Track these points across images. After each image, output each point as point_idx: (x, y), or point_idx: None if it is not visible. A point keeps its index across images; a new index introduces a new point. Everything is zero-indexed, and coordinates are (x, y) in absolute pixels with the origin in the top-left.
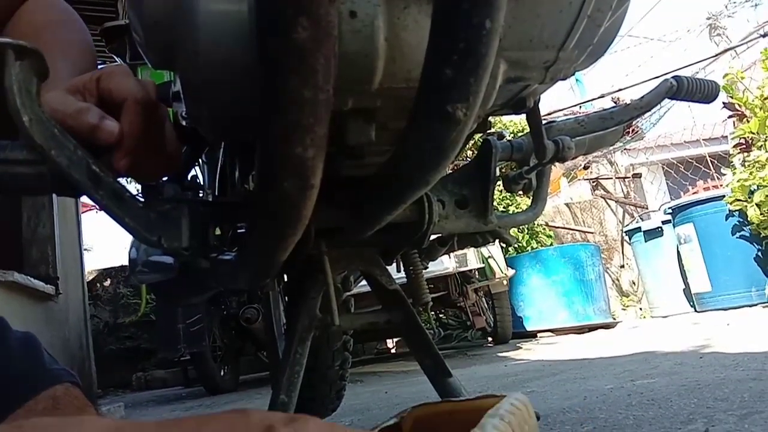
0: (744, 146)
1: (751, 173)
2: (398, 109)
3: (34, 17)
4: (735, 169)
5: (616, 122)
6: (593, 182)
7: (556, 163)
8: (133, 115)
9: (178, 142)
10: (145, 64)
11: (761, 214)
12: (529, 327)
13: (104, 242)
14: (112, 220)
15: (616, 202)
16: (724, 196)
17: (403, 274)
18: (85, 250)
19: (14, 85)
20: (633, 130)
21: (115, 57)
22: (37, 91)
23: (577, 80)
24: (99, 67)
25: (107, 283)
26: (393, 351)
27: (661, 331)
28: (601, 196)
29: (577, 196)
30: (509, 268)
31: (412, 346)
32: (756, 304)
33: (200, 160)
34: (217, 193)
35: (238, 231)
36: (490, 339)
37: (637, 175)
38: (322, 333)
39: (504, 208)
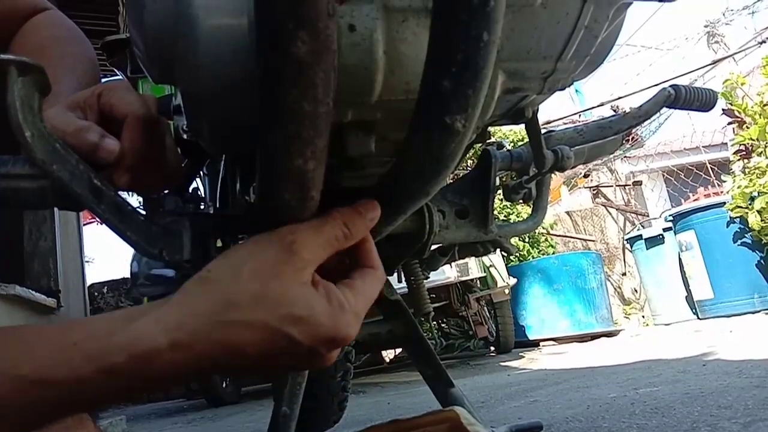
0: (744, 153)
1: (751, 180)
2: (398, 120)
3: (39, 33)
4: (735, 176)
5: (615, 131)
6: (594, 190)
7: (556, 172)
8: (133, 132)
9: (179, 155)
10: (146, 78)
11: (762, 220)
12: (532, 336)
13: (106, 254)
14: (114, 234)
15: (616, 209)
16: (724, 203)
17: (404, 284)
18: (87, 262)
19: (17, 100)
20: (633, 138)
21: (116, 70)
22: (39, 106)
23: (576, 89)
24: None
25: (109, 295)
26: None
27: (663, 339)
28: (602, 204)
29: (577, 204)
30: (511, 277)
31: (414, 356)
32: (758, 311)
33: (201, 173)
34: (218, 206)
35: (240, 243)
36: (492, 348)
37: (638, 183)
38: None
39: (504, 217)
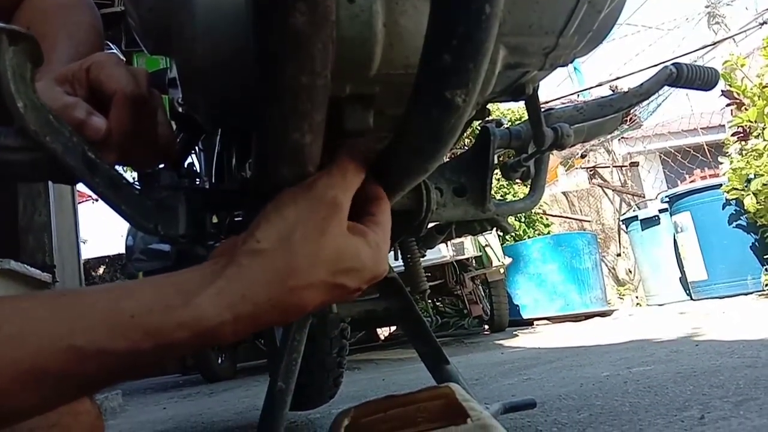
0: (742, 135)
1: (748, 162)
2: (397, 95)
3: (44, 0)
4: (732, 157)
5: (615, 109)
6: (590, 171)
7: (554, 152)
8: (121, 109)
9: (172, 130)
10: (141, 51)
11: (758, 202)
12: (526, 315)
13: (99, 235)
14: (109, 207)
15: (613, 190)
16: (721, 184)
17: (400, 262)
18: (81, 242)
19: (8, 70)
20: (631, 119)
21: (110, 44)
22: (31, 76)
23: (575, 69)
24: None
25: (104, 270)
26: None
27: (657, 319)
28: (599, 185)
29: (574, 184)
30: (506, 257)
31: (410, 334)
32: (751, 293)
33: (197, 148)
34: (214, 181)
35: (235, 218)
36: (486, 327)
37: (635, 164)
38: (320, 320)
39: (502, 196)
